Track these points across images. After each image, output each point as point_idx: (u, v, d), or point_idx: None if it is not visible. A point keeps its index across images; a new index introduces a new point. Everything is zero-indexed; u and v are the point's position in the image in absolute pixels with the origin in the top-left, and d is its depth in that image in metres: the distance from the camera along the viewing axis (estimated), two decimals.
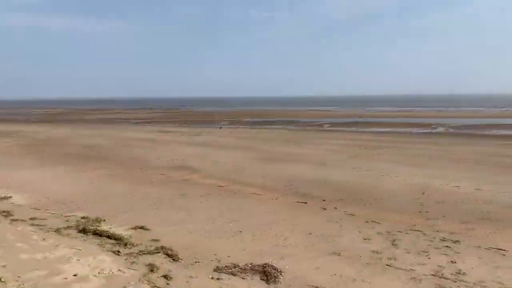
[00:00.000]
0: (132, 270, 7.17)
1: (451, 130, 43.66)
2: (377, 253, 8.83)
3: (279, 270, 7.43)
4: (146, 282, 6.75)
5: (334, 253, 8.74)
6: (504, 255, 8.83)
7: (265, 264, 7.61)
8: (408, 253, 8.89)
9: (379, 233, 10.32)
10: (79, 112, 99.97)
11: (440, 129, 44.41)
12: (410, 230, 10.71)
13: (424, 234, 10.36)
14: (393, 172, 18.57)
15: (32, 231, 9.18)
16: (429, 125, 48.81)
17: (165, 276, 6.95)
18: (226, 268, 7.41)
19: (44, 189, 13.92)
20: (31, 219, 10.14)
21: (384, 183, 16.37)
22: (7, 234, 8.99)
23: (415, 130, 43.93)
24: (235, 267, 7.48)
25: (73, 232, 9.27)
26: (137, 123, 59.05)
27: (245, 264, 7.59)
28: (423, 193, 14.71)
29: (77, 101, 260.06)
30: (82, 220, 10.14)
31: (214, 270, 7.36)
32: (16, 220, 10.05)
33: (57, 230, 9.29)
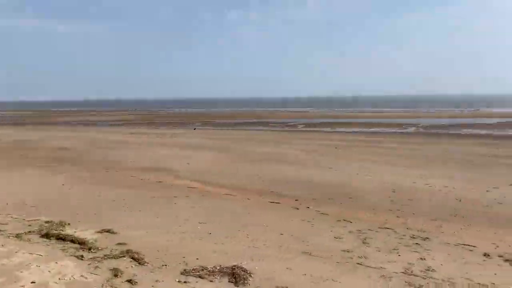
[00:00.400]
0: (95, 275, 6.88)
1: (421, 130, 44.50)
2: (348, 252, 8.78)
3: (248, 272, 7.28)
4: (109, 287, 6.48)
5: (306, 252, 8.64)
6: (471, 251, 8.92)
7: (234, 266, 7.44)
8: (379, 251, 8.87)
9: (350, 232, 10.30)
10: (53, 114, 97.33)
11: (411, 129, 45.21)
12: (381, 228, 10.74)
13: (395, 232, 10.39)
14: (366, 171, 18.70)
15: None
16: (401, 125, 49.64)
17: (130, 281, 6.69)
18: (193, 271, 7.21)
19: (8, 193, 13.37)
20: None
21: (357, 182, 16.44)
22: None
23: (387, 130, 44.58)
24: (203, 269, 7.29)
25: (35, 237, 8.87)
26: (112, 125, 57.93)
27: (214, 267, 7.40)
28: (394, 191, 14.84)
29: (47, 103, 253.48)
30: (46, 225, 9.74)
31: (181, 273, 7.14)
32: None
33: (18, 236, 8.87)
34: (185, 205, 12.65)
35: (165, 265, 7.52)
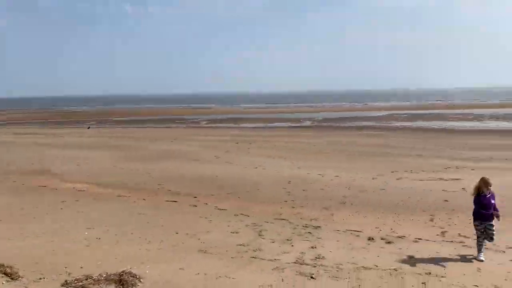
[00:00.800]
0: None
1: (316, 124, 46.84)
2: (244, 245, 8.75)
3: (138, 277, 6.86)
4: None
5: (201, 250, 8.43)
6: (358, 236, 9.44)
7: (123, 271, 6.96)
8: (273, 242, 8.98)
9: (247, 226, 10.32)
10: None
11: (307, 123, 47.40)
12: (277, 219, 10.94)
13: (289, 222, 10.64)
14: (263, 164, 19.05)
15: None
16: (298, 120, 51.77)
17: None
18: (76, 281, 6.60)
19: None
20: None
21: (255, 175, 16.65)
22: None
23: (286, 124, 46.20)
24: (87, 279, 6.71)
25: None
26: None
27: (99, 275, 6.86)
28: (290, 183, 15.28)
29: None
30: None
31: (62, 285, 6.50)
32: None
33: None
34: (72, 211, 11.68)
35: (43, 278, 6.80)
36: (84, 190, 14.49)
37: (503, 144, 25.52)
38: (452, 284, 6.65)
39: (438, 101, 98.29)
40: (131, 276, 6.82)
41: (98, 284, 6.54)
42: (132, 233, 9.58)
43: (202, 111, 78.44)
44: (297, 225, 10.34)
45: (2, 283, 6.52)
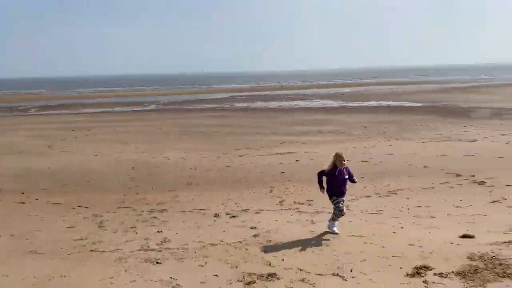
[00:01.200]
0: None
1: (160, 107, 45.94)
2: (82, 239, 8.03)
3: None
4: None
5: (31, 252, 7.44)
6: (204, 214, 9.51)
7: None
8: (116, 232, 8.44)
9: (85, 218, 9.52)
10: None
11: (152, 107, 46.18)
12: (120, 208, 10.35)
13: (133, 209, 10.17)
14: (104, 151, 17.90)
15: None
16: (142, 104, 50.03)
17: None
18: None
19: None
20: None
21: (94, 164, 15.53)
22: None
23: (129, 108, 44.20)
24: None
25: None
26: None
27: None
28: (133, 169, 14.65)
29: None
30: None
31: None
32: None
33: None
34: None
35: None
36: None
37: (327, 119, 28.61)
38: (291, 248, 7.13)
39: (273, 84, 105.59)
40: None
41: None
42: None
43: (29, 97, 69.94)
44: (142, 211, 9.94)
45: None
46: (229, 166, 14.54)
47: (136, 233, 8.36)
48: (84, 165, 15.37)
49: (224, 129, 24.22)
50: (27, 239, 8.18)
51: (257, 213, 9.43)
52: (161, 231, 8.39)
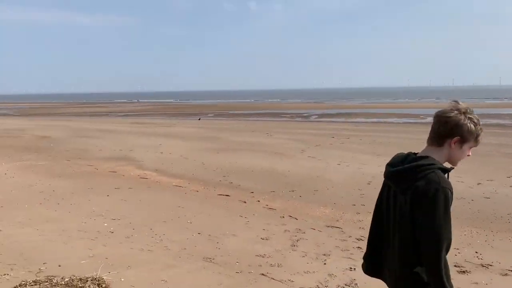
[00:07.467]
0: None
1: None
2: (263, 257, 7.00)
3: (104, 286, 5.61)
4: None
5: (207, 258, 6.90)
6: None
7: (91, 277, 5.78)
8: (303, 256, 7.06)
9: (286, 231, 8.51)
10: (67, 106, 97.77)
11: (429, 119, 42.38)
12: (328, 227, 8.90)
13: (342, 232, 8.54)
14: (348, 161, 16.67)
15: None
16: (418, 116, 46.75)
17: None
18: (33, 283, 5.59)
19: None
20: None
21: (331, 173, 14.50)
22: None
23: (402, 120, 41.93)
24: (46, 281, 5.66)
25: None
26: (115, 115, 57.11)
27: (62, 278, 5.76)
28: (369, 183, 12.84)
29: (67, 95, 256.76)
30: None
31: (15, 287, 5.53)
32: None
33: None
34: (115, 198, 11.08)
35: (6, 274, 5.93)
36: (146, 178, 13.98)
37: None
38: None
39: None
40: (96, 285, 5.59)
41: None
42: (151, 229, 8.44)
43: (313, 106, 76.37)
44: (349, 237, 8.20)
45: None
46: (488, 198, 10.93)
47: (325, 264, 6.73)
48: (319, 172, 14.56)
49: (501, 149, 19.21)
50: (217, 242, 7.74)
51: None
52: (353, 268, 6.48)
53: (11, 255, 6.67)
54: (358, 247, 7.51)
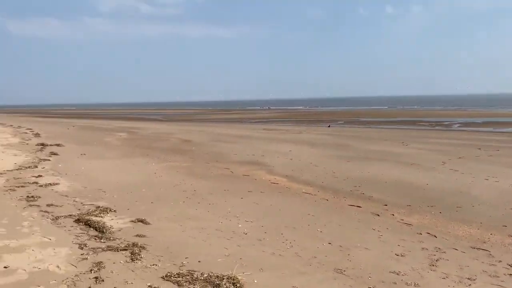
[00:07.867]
0: (73, 267, 6.32)
1: None
2: (398, 274, 6.60)
3: (239, 286, 5.85)
4: (71, 281, 5.82)
5: (338, 270, 6.75)
6: None
7: (227, 276, 6.09)
8: (444, 278, 6.47)
9: (424, 249, 7.92)
10: (208, 112, 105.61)
11: None
12: (474, 248, 8.04)
13: (491, 256, 7.62)
14: (499, 175, 14.88)
15: (32, 217, 9.01)
16: None
17: (96, 278, 5.94)
18: (176, 276, 6.10)
19: (94, 178, 14.10)
20: (48, 205, 10.07)
21: (477, 188, 13.10)
22: (6, 217, 8.96)
23: None
24: (188, 275, 6.13)
25: (69, 220, 8.84)
26: (248, 122, 59.78)
27: (202, 273, 6.17)
28: None
29: (217, 103, 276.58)
30: (93, 209, 9.72)
31: (162, 277, 6.09)
32: (33, 205, 10.06)
33: (56, 218, 8.96)
34: (248, 201, 11.56)
35: (155, 265, 6.57)
36: (277, 183, 14.32)
37: None
38: None
39: None
40: (232, 284, 5.87)
41: (193, 284, 5.85)
42: (282, 234, 8.60)
43: (455, 113, 70.06)
44: (499, 261, 7.28)
45: (120, 262, 6.59)
46: None
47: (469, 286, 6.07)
48: (462, 187, 13.24)
49: None
50: (348, 254, 7.54)
51: None
52: None
53: (159, 248, 7.38)
54: (510, 275, 6.62)
